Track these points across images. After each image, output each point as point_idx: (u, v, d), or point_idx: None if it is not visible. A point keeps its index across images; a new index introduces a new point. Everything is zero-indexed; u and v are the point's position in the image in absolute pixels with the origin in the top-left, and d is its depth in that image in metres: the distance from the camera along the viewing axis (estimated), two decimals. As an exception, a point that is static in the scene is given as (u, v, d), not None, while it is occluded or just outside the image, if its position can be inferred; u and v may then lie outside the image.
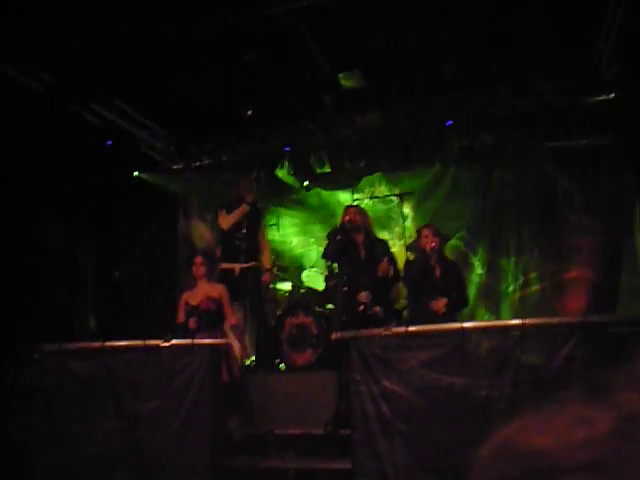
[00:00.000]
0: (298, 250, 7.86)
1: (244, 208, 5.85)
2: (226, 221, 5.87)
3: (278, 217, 7.41)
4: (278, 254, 7.19)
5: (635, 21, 5.05)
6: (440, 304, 4.84)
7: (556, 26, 5.61)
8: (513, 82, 6.48)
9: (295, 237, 7.92)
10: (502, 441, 0.36)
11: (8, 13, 4.91)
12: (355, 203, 6.85)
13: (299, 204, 8.03)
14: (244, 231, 5.83)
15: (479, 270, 6.87)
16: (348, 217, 5.36)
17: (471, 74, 6.32)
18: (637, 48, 5.43)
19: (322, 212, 7.87)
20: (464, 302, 5.20)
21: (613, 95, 6.23)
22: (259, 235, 5.97)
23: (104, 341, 4.33)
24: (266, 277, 5.81)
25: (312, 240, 7.73)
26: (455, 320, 4.84)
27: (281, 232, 7.49)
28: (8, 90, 5.33)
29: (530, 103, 6.62)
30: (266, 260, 5.88)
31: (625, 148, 6.31)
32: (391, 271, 5.07)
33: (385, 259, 5.05)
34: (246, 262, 5.76)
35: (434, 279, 5.00)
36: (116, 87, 6.22)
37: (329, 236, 5.40)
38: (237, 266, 5.71)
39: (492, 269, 6.96)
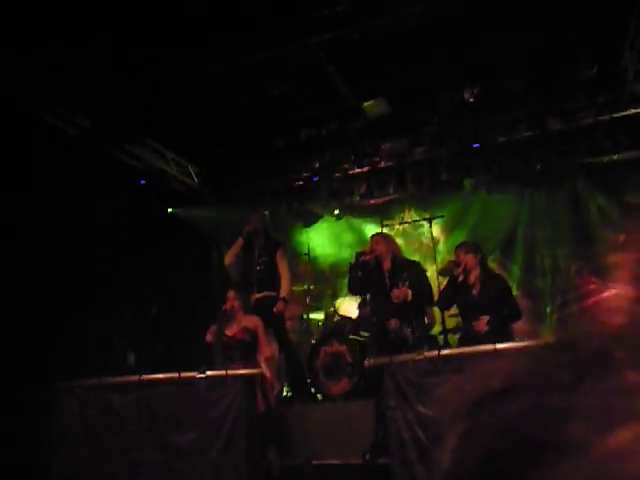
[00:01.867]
0: (330, 279, 7.88)
1: (239, 242, 6.02)
2: (226, 259, 6.12)
3: (309, 246, 7.46)
4: (310, 283, 7.22)
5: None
6: (482, 323, 4.76)
7: (581, 43, 5.61)
8: (540, 100, 6.46)
9: (327, 266, 7.95)
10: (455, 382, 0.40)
11: (43, 59, 5.16)
12: (385, 230, 6.85)
13: (329, 233, 8.07)
14: (258, 260, 5.95)
15: (515, 292, 6.76)
16: (367, 249, 5.40)
17: (496, 95, 6.34)
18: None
19: (353, 240, 7.90)
20: (516, 315, 5.05)
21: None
22: (275, 263, 5.99)
23: (142, 375, 4.41)
24: (279, 306, 5.78)
25: (344, 269, 7.74)
26: (508, 336, 4.77)
27: (313, 261, 7.53)
28: (44, 134, 5.57)
29: (557, 121, 6.58)
30: (283, 290, 5.88)
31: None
32: (409, 296, 5.02)
33: (402, 285, 5.01)
34: (259, 292, 5.83)
35: (472, 297, 4.92)
36: (147, 126, 6.44)
37: (350, 271, 5.42)
38: (252, 296, 5.77)
39: (528, 290, 6.84)
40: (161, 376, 4.40)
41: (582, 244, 6.63)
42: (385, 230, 6.76)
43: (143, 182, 7.03)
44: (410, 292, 5.02)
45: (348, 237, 8.01)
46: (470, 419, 0.35)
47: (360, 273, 5.22)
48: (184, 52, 5.27)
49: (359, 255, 5.35)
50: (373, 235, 5.91)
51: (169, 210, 7.66)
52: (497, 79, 6.19)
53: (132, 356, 6.35)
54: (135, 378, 4.43)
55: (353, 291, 5.57)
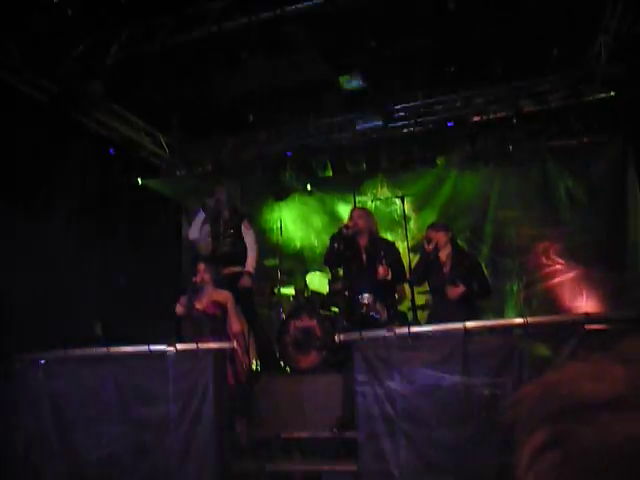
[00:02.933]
0: (301, 254, 7.88)
1: (200, 216, 5.92)
2: (189, 233, 6.03)
3: (281, 221, 7.42)
4: (282, 258, 7.21)
5: (633, 20, 5.06)
6: (456, 291, 4.81)
7: (555, 26, 5.63)
8: (513, 82, 6.49)
9: (299, 241, 7.95)
10: (547, 384, 0.36)
11: (11, 23, 4.96)
12: (358, 205, 6.85)
13: (302, 208, 8.05)
14: (225, 233, 5.87)
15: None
16: (351, 222, 5.37)
17: (471, 75, 6.34)
18: (636, 47, 5.43)
19: (325, 215, 7.89)
20: (486, 290, 5.11)
21: (613, 93, 6.24)
22: (240, 237, 5.91)
23: (109, 347, 4.36)
24: (244, 281, 5.74)
25: (316, 243, 7.76)
26: (475, 312, 4.84)
27: (284, 236, 7.51)
28: (10, 99, 5.37)
29: (530, 103, 6.63)
30: (249, 264, 5.83)
31: (625, 145, 6.32)
32: (389, 274, 5.06)
33: (382, 263, 5.04)
34: (226, 267, 5.75)
35: (443, 275, 4.97)
36: (117, 94, 6.26)
37: (330, 242, 5.41)
38: (225, 270, 5.71)
39: (496, 269, 6.96)
40: (130, 349, 4.36)
41: (550, 225, 6.76)
42: (351, 208, 6.76)
43: (112, 151, 6.87)
44: (390, 272, 5.05)
45: (319, 214, 8.01)
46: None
47: (341, 246, 5.21)
48: (159, 19, 5.12)
49: (342, 228, 5.33)
50: (355, 208, 5.88)
51: (138, 180, 7.51)
52: (473, 58, 6.18)
53: (99, 327, 6.28)
54: (103, 350, 4.37)
55: (329, 263, 5.56)
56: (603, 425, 0.29)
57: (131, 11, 5.07)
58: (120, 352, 4.37)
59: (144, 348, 4.28)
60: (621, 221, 6.32)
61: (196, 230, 5.98)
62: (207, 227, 5.97)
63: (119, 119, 6.73)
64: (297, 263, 7.70)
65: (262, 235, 6.73)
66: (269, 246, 7.22)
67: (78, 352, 4.51)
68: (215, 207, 5.92)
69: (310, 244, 7.81)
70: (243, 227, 5.91)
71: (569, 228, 6.61)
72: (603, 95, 6.28)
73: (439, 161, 7.22)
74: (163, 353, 4.27)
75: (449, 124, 6.94)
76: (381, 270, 5.01)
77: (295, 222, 7.99)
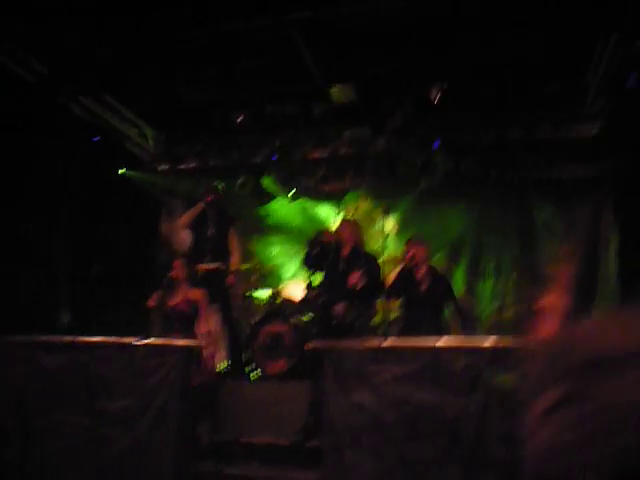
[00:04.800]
0: (279, 259, 7.86)
1: (199, 206, 5.97)
2: (181, 220, 6.04)
3: (260, 225, 7.41)
4: (258, 262, 7.19)
5: (620, 60, 5.20)
6: (354, 278, 4.88)
7: (544, 59, 5.75)
8: (500, 111, 6.60)
9: (277, 246, 7.93)
10: (567, 339, 0.35)
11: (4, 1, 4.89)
12: (339, 216, 6.88)
13: (282, 214, 8.04)
14: (210, 232, 5.89)
15: (456, 292, 6.93)
16: (336, 232, 5.43)
17: (460, 99, 6.42)
18: (620, 85, 5.58)
19: (304, 223, 7.89)
20: (460, 313, 5.21)
21: (596, 129, 6.38)
22: (227, 236, 5.98)
23: (77, 336, 4.29)
24: (231, 279, 5.79)
25: (293, 251, 7.74)
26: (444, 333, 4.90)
27: (262, 240, 7.49)
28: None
29: (516, 132, 6.74)
30: (234, 262, 5.88)
31: (605, 181, 6.46)
32: (360, 284, 5.08)
33: (357, 271, 5.07)
34: (208, 262, 5.77)
35: (420, 291, 5.03)
36: (108, 82, 6.20)
37: (309, 245, 5.43)
38: (202, 266, 5.72)
39: (469, 291, 7.03)
40: (97, 339, 4.29)
41: (526, 253, 6.86)
42: (339, 218, 6.79)
43: (97, 139, 6.78)
44: (363, 280, 5.07)
45: (300, 220, 8.00)
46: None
47: (317, 251, 5.23)
48: (157, 13, 5.09)
49: (320, 234, 5.36)
50: (344, 220, 5.97)
51: (120, 170, 7.43)
52: (464, 81, 6.27)
53: (67, 316, 6.17)
54: (69, 339, 4.30)
55: (308, 265, 5.58)
56: (625, 381, 0.28)
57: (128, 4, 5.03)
58: (87, 341, 4.30)
59: (112, 339, 4.22)
60: (594, 254, 6.44)
61: (188, 219, 6.01)
62: (195, 222, 6.00)
63: (106, 107, 6.65)
64: (273, 268, 7.67)
65: (241, 237, 6.70)
66: (247, 249, 7.19)
67: (43, 338, 4.43)
68: (209, 203, 5.95)
69: (289, 249, 7.80)
70: (230, 227, 5.97)
71: (543, 257, 6.72)
72: (588, 131, 6.41)
73: (422, 180, 7.27)
74: (131, 346, 4.21)
75: (435, 145, 7.02)
76: (352, 278, 5.03)
77: (276, 226, 7.97)
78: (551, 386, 0.31)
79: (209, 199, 6.00)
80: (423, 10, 5.06)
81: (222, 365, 5.93)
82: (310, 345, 4.09)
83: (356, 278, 5.05)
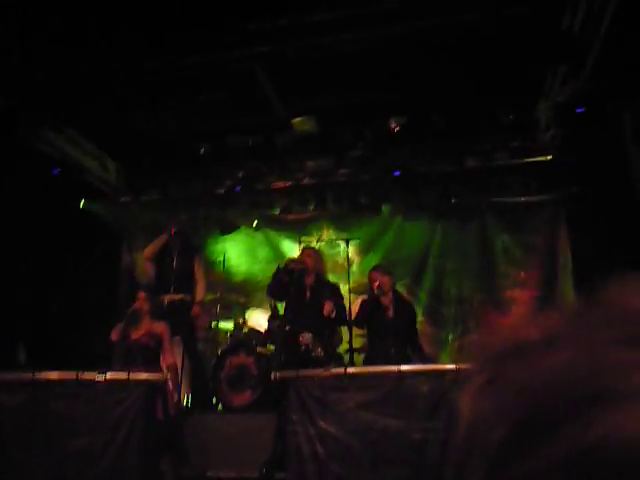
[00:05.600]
0: (243, 290, 7.83)
1: (163, 237, 5.96)
2: (145, 252, 6.02)
3: (224, 255, 7.38)
4: (222, 292, 7.14)
5: (570, 90, 5.44)
6: (328, 307, 4.92)
7: (501, 88, 5.97)
8: (458, 139, 6.80)
9: (241, 276, 7.90)
10: (488, 332, 0.37)
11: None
12: (302, 245, 6.92)
13: (246, 244, 8.04)
14: (174, 262, 5.88)
15: (420, 317, 7.01)
16: (297, 259, 5.44)
17: (420, 129, 6.60)
18: (570, 115, 5.83)
19: (270, 251, 7.91)
20: (418, 349, 5.27)
21: (550, 157, 6.62)
22: (192, 267, 5.96)
23: (35, 372, 4.18)
24: (196, 310, 5.76)
25: (257, 280, 7.72)
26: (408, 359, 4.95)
27: (226, 270, 7.46)
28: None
29: (473, 159, 6.95)
30: (199, 293, 5.86)
31: (559, 206, 6.69)
32: (334, 313, 5.13)
33: (329, 301, 5.11)
34: (173, 293, 5.74)
35: (387, 319, 5.08)
36: (68, 114, 6.18)
37: (275, 274, 5.44)
38: (166, 297, 5.68)
39: (433, 316, 7.12)
40: (57, 375, 4.19)
41: (486, 278, 7.01)
42: (302, 246, 6.82)
43: (56, 172, 6.71)
44: (335, 311, 5.12)
45: (264, 250, 8.01)
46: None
47: (285, 279, 5.25)
48: (119, 44, 5.12)
49: (289, 262, 5.38)
50: (306, 247, 5.99)
51: (81, 203, 7.34)
52: (423, 113, 6.45)
53: (24, 353, 6.00)
54: (28, 376, 4.18)
55: (273, 295, 5.59)
56: (535, 362, 0.31)
57: (95, 33, 5.05)
58: (46, 378, 4.19)
59: (72, 375, 4.12)
60: (552, 277, 6.65)
61: (153, 250, 5.98)
62: (159, 253, 5.97)
63: (66, 139, 6.60)
64: (237, 298, 7.63)
65: (205, 268, 6.68)
66: (210, 279, 7.14)
67: (0, 377, 4.30)
68: (170, 235, 5.95)
69: (253, 279, 7.78)
70: (196, 259, 5.95)
71: (504, 281, 6.87)
72: (541, 158, 6.65)
73: (384, 208, 7.40)
74: (92, 381, 4.12)
75: (395, 173, 7.17)
76: (327, 307, 5.06)
77: (239, 256, 7.96)
78: (478, 373, 0.35)
79: (173, 230, 5.98)
80: (382, 45, 5.23)
81: (187, 398, 5.84)
82: (276, 375, 4.07)
83: (329, 308, 5.09)
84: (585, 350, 0.30)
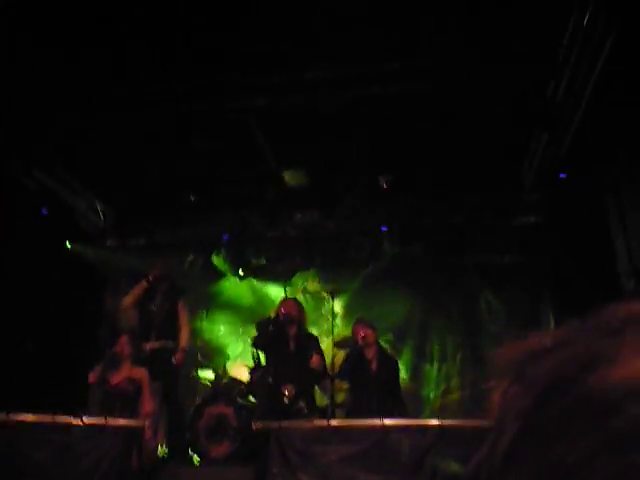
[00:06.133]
0: (225, 339, 7.74)
1: (142, 285, 5.91)
2: (125, 300, 5.96)
3: (208, 303, 7.34)
4: (204, 341, 7.06)
5: (553, 154, 5.63)
6: (316, 360, 4.90)
7: (487, 149, 6.16)
8: (446, 196, 6.95)
9: (223, 325, 7.83)
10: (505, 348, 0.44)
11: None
12: (284, 296, 6.91)
13: (231, 292, 8.01)
14: (157, 307, 5.82)
15: (403, 374, 6.95)
16: (284, 310, 5.42)
17: (407, 185, 6.74)
18: (554, 180, 6.01)
19: (253, 302, 7.87)
20: (400, 404, 5.22)
21: (533, 219, 6.78)
22: (176, 313, 5.89)
23: (9, 412, 4.05)
24: (178, 357, 5.65)
25: (240, 330, 7.66)
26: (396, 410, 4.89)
27: (209, 319, 7.39)
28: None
29: (460, 218, 7.09)
30: (182, 340, 5.77)
31: (542, 266, 6.80)
32: (322, 365, 5.10)
33: (317, 353, 5.08)
34: (157, 340, 5.65)
35: (370, 372, 5.04)
36: (59, 155, 6.23)
37: (260, 325, 5.41)
38: (148, 344, 5.59)
39: (416, 373, 7.07)
40: (31, 418, 4.07)
41: (469, 335, 7.03)
42: (282, 297, 6.81)
43: (45, 211, 6.71)
44: (322, 363, 5.09)
45: (248, 299, 7.97)
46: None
47: (270, 329, 5.21)
48: (111, 91, 5.23)
49: (274, 312, 5.37)
50: (288, 298, 5.97)
51: (67, 244, 7.31)
52: (410, 169, 6.60)
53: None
54: (1, 416, 4.06)
55: (257, 345, 5.53)
56: (545, 363, 0.39)
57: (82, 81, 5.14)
58: (18, 420, 4.07)
59: (47, 418, 4.01)
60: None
61: (133, 299, 5.92)
62: (142, 299, 5.90)
63: (56, 180, 6.62)
64: (219, 347, 7.54)
65: (189, 315, 6.61)
66: (193, 327, 7.06)
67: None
68: (153, 280, 5.90)
69: (236, 328, 7.71)
70: (180, 303, 5.90)
71: (487, 339, 6.89)
72: (525, 219, 6.81)
73: (370, 263, 7.45)
74: (66, 425, 4.01)
75: (383, 228, 7.27)
76: (315, 359, 5.03)
77: (224, 305, 7.91)
78: (503, 379, 0.43)
79: (157, 273, 5.94)
80: (376, 103, 5.40)
81: (163, 448, 5.68)
82: (257, 425, 4.00)
83: (317, 361, 5.07)
84: (584, 344, 0.38)
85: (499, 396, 0.42)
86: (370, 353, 5.17)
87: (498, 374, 0.44)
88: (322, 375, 5.35)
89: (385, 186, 6.70)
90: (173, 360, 5.56)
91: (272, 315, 5.39)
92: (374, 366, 5.10)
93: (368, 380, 4.97)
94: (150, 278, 5.93)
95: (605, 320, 0.40)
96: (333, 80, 5.08)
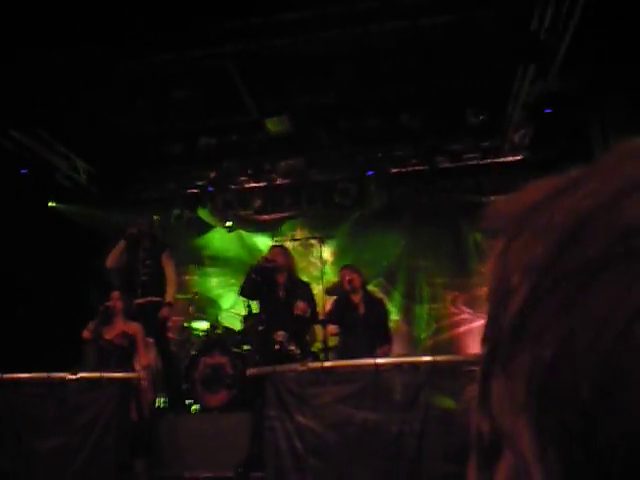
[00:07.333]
0: (217, 291, 7.78)
1: (121, 244, 5.84)
2: (108, 260, 5.89)
3: (198, 257, 7.34)
4: (196, 293, 7.08)
5: (539, 90, 5.55)
6: (301, 307, 4.95)
7: (473, 91, 6.07)
8: (431, 139, 6.88)
9: (215, 277, 7.85)
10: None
11: None
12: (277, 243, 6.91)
13: (220, 245, 7.99)
14: (144, 262, 5.78)
15: (394, 316, 7.04)
16: (268, 257, 5.41)
17: (393, 129, 6.66)
18: (539, 116, 5.95)
19: (242, 253, 7.87)
20: (388, 339, 5.30)
21: (520, 157, 6.75)
22: (161, 268, 5.85)
23: (4, 373, 4.08)
24: (164, 311, 5.65)
25: (232, 281, 7.69)
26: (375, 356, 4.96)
27: (200, 271, 7.41)
28: None
29: (446, 160, 7.05)
30: (169, 295, 5.76)
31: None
32: (308, 312, 5.12)
33: (302, 299, 5.10)
34: (143, 296, 5.64)
35: (358, 316, 5.11)
36: (37, 114, 6.06)
37: (248, 274, 5.41)
38: (135, 300, 5.58)
39: (407, 315, 7.17)
40: (26, 375, 4.09)
41: (459, 276, 7.10)
42: (271, 245, 6.80)
43: (24, 171, 6.58)
44: (309, 309, 5.11)
45: (238, 250, 7.98)
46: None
47: (259, 278, 5.21)
48: (91, 44, 5.05)
49: (261, 261, 5.35)
50: (275, 246, 5.95)
51: (50, 204, 7.21)
52: (395, 113, 6.51)
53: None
54: (-3, 376, 4.08)
55: (245, 294, 5.54)
56: (558, 203, 0.31)
57: (63, 33, 4.97)
58: (15, 378, 4.10)
59: (42, 375, 4.04)
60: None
61: (114, 258, 5.85)
62: (125, 256, 5.85)
63: (35, 139, 6.48)
64: (211, 298, 7.58)
65: (178, 269, 6.60)
66: (184, 280, 7.09)
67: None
68: (136, 236, 5.83)
69: (227, 280, 7.74)
70: (164, 257, 5.84)
71: (476, 279, 6.96)
72: (511, 158, 6.78)
73: (357, 208, 7.44)
74: (63, 381, 4.05)
75: (369, 173, 7.22)
76: (301, 305, 5.05)
77: (213, 257, 7.91)
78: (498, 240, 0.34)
79: (134, 231, 5.86)
80: (355, 44, 5.27)
81: (161, 399, 5.76)
82: (251, 371, 4.05)
83: (303, 307, 5.08)
84: (602, 177, 0.30)
85: (494, 261, 0.34)
86: (357, 298, 5.23)
87: (492, 230, 0.35)
88: (310, 320, 5.39)
89: (370, 131, 6.61)
90: (160, 314, 5.56)
91: (259, 264, 5.37)
92: (361, 310, 5.16)
93: (356, 323, 5.04)
94: (127, 235, 5.85)
95: (618, 152, 0.31)
96: (310, 21, 4.93)
